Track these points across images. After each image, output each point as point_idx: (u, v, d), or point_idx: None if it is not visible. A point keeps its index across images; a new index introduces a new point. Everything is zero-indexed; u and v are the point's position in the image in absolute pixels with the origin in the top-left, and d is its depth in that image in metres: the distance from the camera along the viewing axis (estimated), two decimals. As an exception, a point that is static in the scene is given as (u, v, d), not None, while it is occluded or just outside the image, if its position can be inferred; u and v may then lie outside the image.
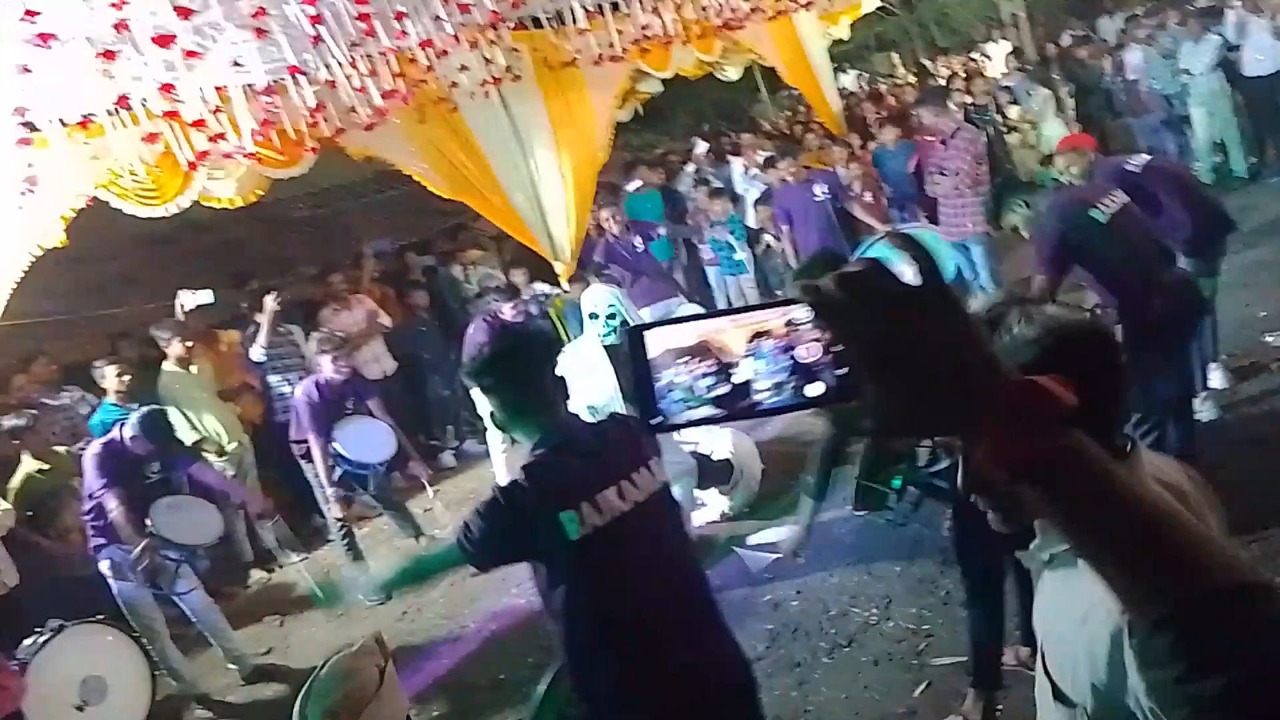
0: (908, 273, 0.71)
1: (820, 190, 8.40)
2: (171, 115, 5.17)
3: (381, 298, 8.66)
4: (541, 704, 2.87)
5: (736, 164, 10.85)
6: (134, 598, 5.37)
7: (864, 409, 0.72)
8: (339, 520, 6.32)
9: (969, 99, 10.67)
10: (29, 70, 4.40)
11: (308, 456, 6.30)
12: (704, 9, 8.19)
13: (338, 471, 6.18)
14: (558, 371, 2.58)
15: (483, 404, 7.31)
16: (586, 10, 7.27)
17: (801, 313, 0.74)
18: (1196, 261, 5.01)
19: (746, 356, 0.74)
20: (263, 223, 10.40)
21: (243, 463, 7.34)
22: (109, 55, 4.43)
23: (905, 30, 18.88)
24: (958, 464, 2.88)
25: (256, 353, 7.52)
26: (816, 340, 0.74)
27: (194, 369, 7.21)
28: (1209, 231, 5.23)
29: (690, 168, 11.34)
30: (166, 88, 5.08)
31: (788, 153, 9.22)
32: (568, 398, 2.58)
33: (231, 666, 5.69)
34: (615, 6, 7.74)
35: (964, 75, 12.09)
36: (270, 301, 7.39)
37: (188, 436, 7.10)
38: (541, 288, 8.81)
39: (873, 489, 4.07)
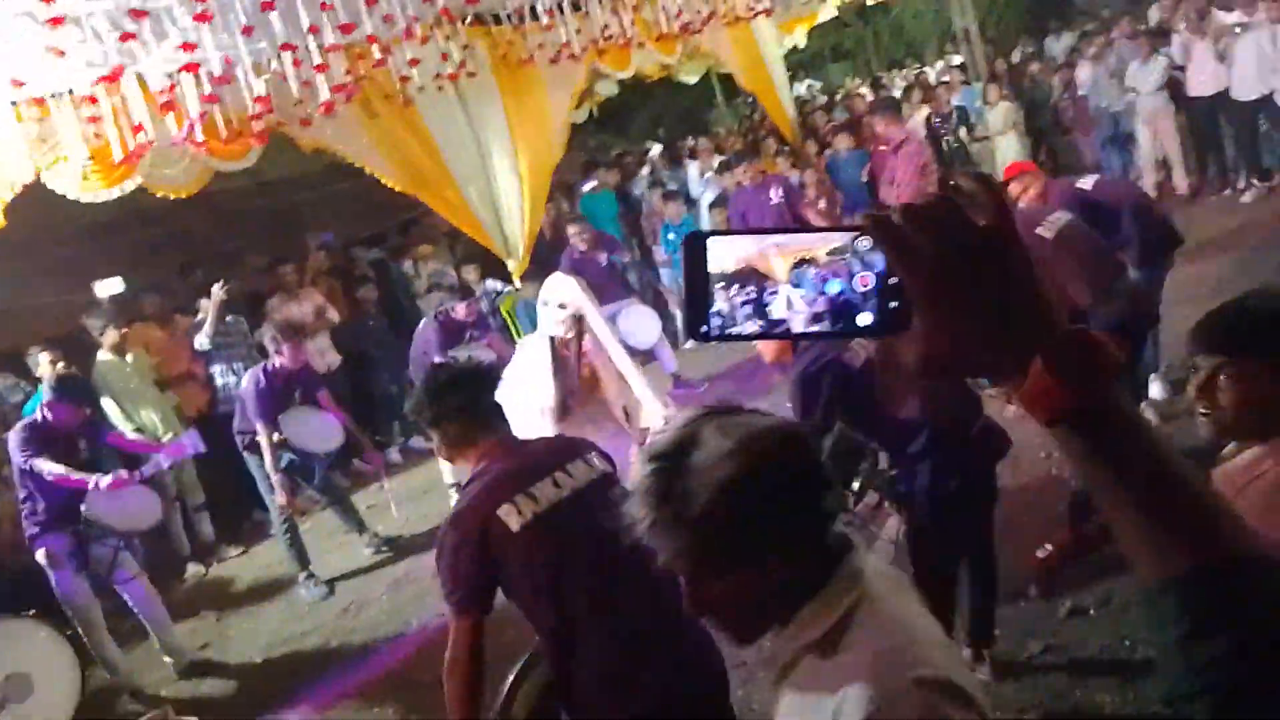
0: (977, 211, 0.72)
1: (775, 194, 8.48)
2: (91, 101, 5.06)
3: (329, 291, 8.55)
4: (507, 695, 2.82)
5: (693, 167, 10.89)
6: (71, 588, 5.24)
7: (910, 342, 0.73)
8: (282, 511, 6.20)
9: (927, 109, 10.79)
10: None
11: (251, 448, 6.20)
12: (663, 9, 8.21)
13: (284, 460, 6.07)
14: (496, 397, 2.69)
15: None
16: (546, 8, 7.25)
17: (862, 243, 0.75)
18: (1145, 273, 5.16)
19: (787, 283, 0.76)
20: (211, 213, 10.19)
21: (181, 453, 7.19)
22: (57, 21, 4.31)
23: (860, 41, 19.10)
24: (921, 470, 2.91)
25: (201, 341, 7.38)
26: (872, 271, 0.75)
27: (130, 357, 7.07)
28: (1158, 244, 5.37)
29: (645, 170, 11.36)
30: (114, 73, 4.99)
31: (744, 157, 9.27)
32: (505, 421, 2.69)
33: (167, 660, 5.56)
34: (576, 6, 7.73)
35: (921, 87, 12.23)
36: (218, 290, 7.26)
37: (122, 426, 6.95)
38: (493, 284, 8.77)
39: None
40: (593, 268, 8.23)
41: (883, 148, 8.52)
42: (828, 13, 12.85)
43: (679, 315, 9.73)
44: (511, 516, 2.42)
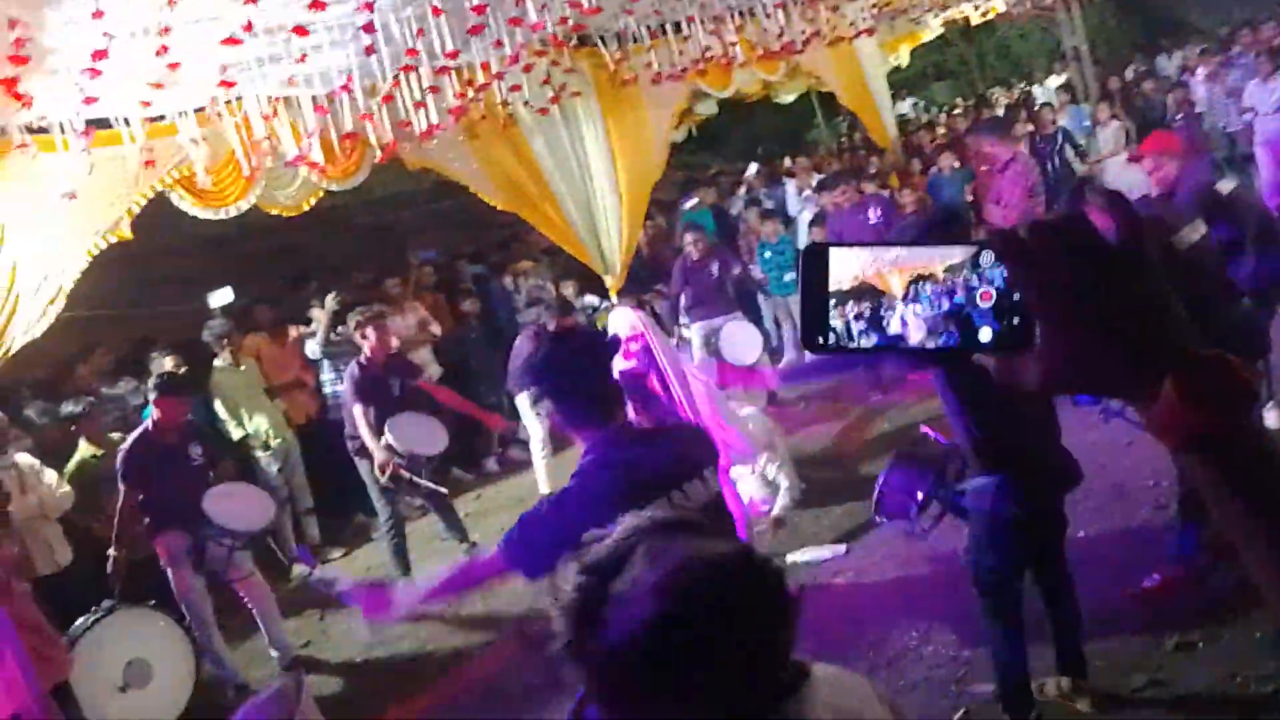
0: (1109, 228, 0.71)
1: (874, 215, 8.40)
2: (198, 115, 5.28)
3: (432, 305, 8.77)
4: None
5: (790, 186, 10.87)
6: (187, 584, 5.46)
7: (1032, 360, 0.72)
8: (388, 520, 6.36)
9: (1030, 128, 10.57)
10: (98, 71, 4.51)
11: (361, 453, 6.36)
12: (764, 31, 8.24)
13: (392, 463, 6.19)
14: (614, 376, 2.54)
15: (527, 412, 7.40)
16: (649, 29, 7.37)
17: (986, 257, 0.75)
18: (1258, 302, 4.90)
19: (905, 299, 0.76)
20: (320, 228, 10.57)
21: (289, 458, 7.47)
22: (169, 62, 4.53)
23: (964, 60, 18.80)
24: (984, 485, 2.85)
25: (313, 349, 7.65)
26: (994, 286, 0.74)
27: (244, 366, 7.38)
28: (1275, 272, 5.13)
29: (742, 189, 11.37)
30: (224, 84, 5.23)
31: (841, 178, 9.22)
32: (624, 404, 2.54)
33: (274, 654, 5.76)
34: (677, 27, 7.83)
35: (1025, 106, 12.00)
36: (330, 300, 7.53)
37: (234, 433, 7.25)
38: (591, 300, 8.88)
39: (895, 496, 4.05)
40: (704, 278, 8.29)
41: (986, 167, 8.37)
42: (932, 32, 12.72)
43: (773, 332, 9.71)
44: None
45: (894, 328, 0.76)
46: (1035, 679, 3.56)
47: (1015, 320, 0.74)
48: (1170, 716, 3.50)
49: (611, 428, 2.48)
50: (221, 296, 7.72)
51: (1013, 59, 18.52)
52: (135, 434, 5.64)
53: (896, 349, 0.77)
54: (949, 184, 9.56)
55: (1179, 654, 3.78)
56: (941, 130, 12.63)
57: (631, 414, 2.63)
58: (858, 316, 0.77)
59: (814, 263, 0.78)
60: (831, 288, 0.77)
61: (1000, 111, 12.65)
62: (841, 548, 5.47)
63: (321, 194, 6.91)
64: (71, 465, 6.33)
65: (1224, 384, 0.69)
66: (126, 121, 5.31)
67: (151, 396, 5.62)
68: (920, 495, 3.92)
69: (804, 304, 0.79)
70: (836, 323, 0.77)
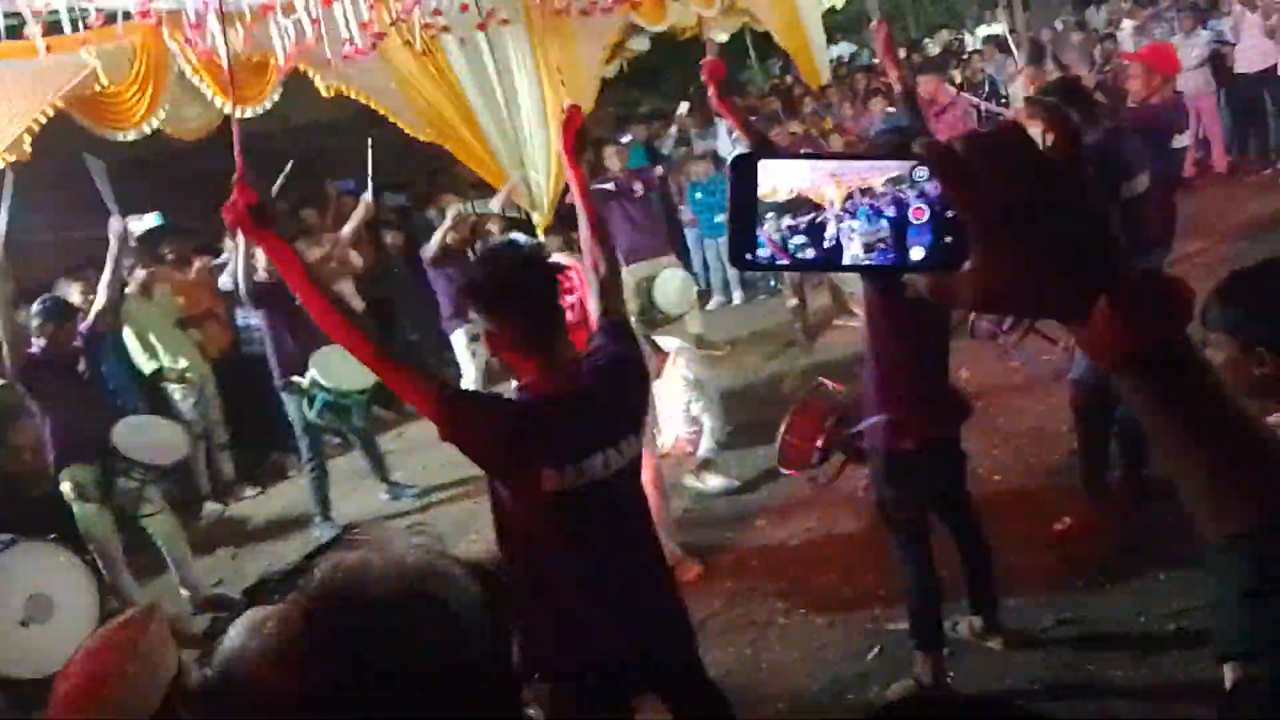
0: (1044, 140, 0.68)
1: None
2: (145, 14, 5.03)
3: (353, 236, 8.51)
4: None
5: (723, 127, 10.75)
6: (94, 521, 5.28)
7: (968, 278, 0.69)
8: (311, 458, 6.22)
9: (959, 76, 10.63)
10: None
11: (289, 389, 6.16)
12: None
13: (319, 401, 6.01)
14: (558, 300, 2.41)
15: (462, 349, 7.29)
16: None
17: (920, 172, 0.71)
18: (1158, 254, 4.85)
19: (842, 214, 0.72)
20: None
21: (204, 392, 7.26)
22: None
23: (899, 5, 18.78)
24: (877, 421, 2.88)
25: (225, 281, 7.38)
26: (927, 203, 0.71)
27: (157, 295, 7.11)
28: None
29: (673, 129, 11.25)
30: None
31: (775, 119, 9.16)
32: (564, 332, 2.41)
33: (184, 594, 5.62)
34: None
35: (955, 54, 12.04)
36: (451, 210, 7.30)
37: (145, 365, 7.01)
38: (518, 237, 8.71)
39: (794, 445, 4.08)
40: (626, 198, 8.22)
41: (928, 111, 8.38)
42: (868, -27, 12.61)
43: (701, 275, 9.68)
44: (550, 480, 2.27)
45: (829, 242, 0.73)
46: (948, 619, 3.64)
47: (948, 239, 0.71)
48: (1078, 654, 3.59)
49: (554, 358, 2.35)
50: (146, 221, 7.36)
51: (946, 4, 18.56)
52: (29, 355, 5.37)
53: (830, 264, 0.73)
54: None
55: (1087, 594, 3.89)
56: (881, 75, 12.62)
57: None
58: (792, 229, 0.73)
59: (742, 173, 0.74)
60: (763, 199, 0.73)
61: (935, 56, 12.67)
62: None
63: (227, 119, 6.60)
64: (-24, 393, 6.04)
65: (1161, 302, 0.68)
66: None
67: (35, 323, 5.35)
68: (820, 442, 3.95)
69: (731, 217, 0.74)
70: (772, 233, 0.73)
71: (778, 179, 0.73)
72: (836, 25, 16.43)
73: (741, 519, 5.26)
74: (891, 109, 9.63)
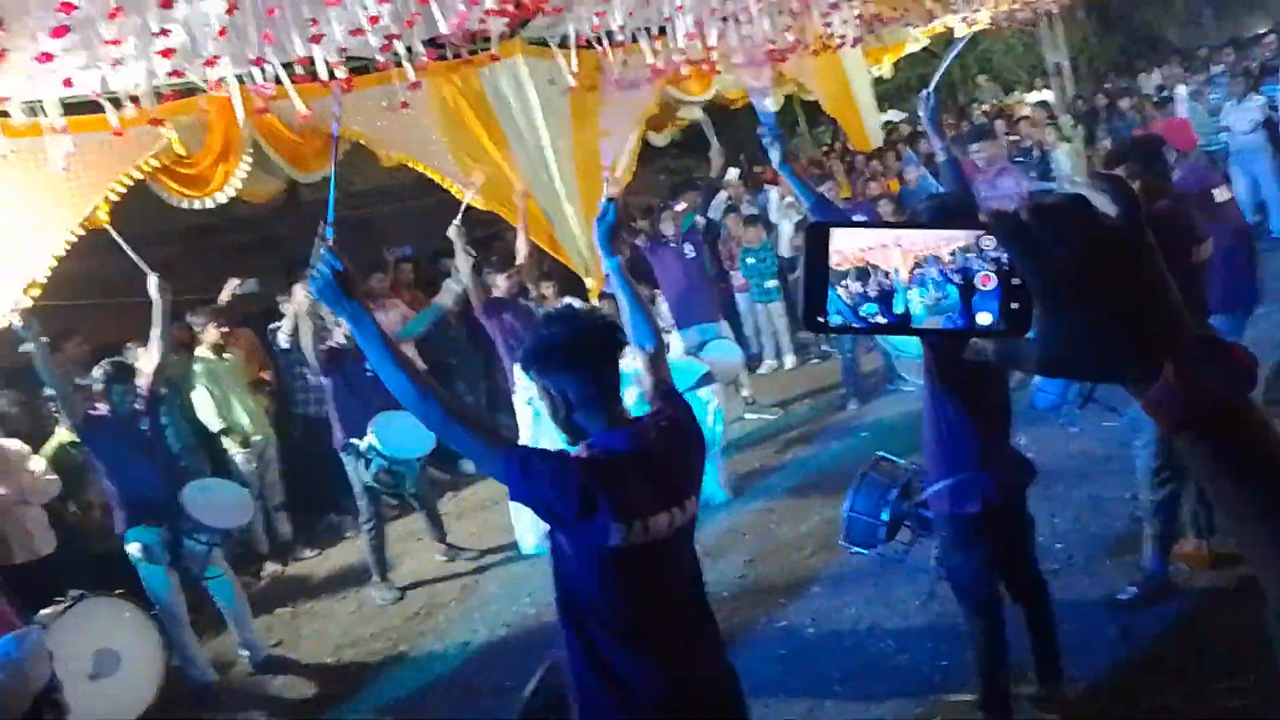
0: (1110, 211, 0.71)
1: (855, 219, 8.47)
2: (218, 86, 5.26)
3: (411, 301, 8.71)
4: (527, 705, 2.87)
5: (773, 193, 10.88)
6: (160, 581, 5.36)
7: (1033, 344, 0.73)
8: (370, 519, 6.30)
9: (1012, 138, 10.65)
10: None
11: (348, 451, 6.27)
12: (747, 38, 8.25)
13: (374, 467, 6.08)
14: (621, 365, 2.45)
15: (521, 409, 7.36)
16: (626, 32, 7.39)
17: (986, 241, 0.75)
18: (1227, 319, 4.88)
19: (910, 283, 0.76)
20: (299, 222, 10.49)
21: (264, 455, 7.40)
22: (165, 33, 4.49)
23: (949, 73, 18.91)
24: (941, 488, 2.85)
25: (280, 340, 7.52)
26: (993, 270, 0.75)
27: (228, 356, 7.30)
28: (1245, 287, 5.18)
29: (723, 195, 11.38)
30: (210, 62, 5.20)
31: (823, 182, 9.25)
32: (621, 397, 2.47)
33: (243, 654, 5.70)
34: (662, 31, 7.83)
35: (1009, 118, 12.09)
36: (299, 290, 7.41)
37: (214, 423, 7.16)
38: (570, 301, 8.85)
39: (860, 521, 4.05)
40: (675, 258, 8.29)
41: (979, 176, 8.42)
42: (916, 44, 12.79)
43: (752, 341, 9.73)
44: (617, 536, 2.29)
45: (899, 308, 0.77)
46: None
47: (1014, 305, 0.74)
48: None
49: (618, 417, 2.42)
50: (246, 285, 7.53)
51: (995, 72, 18.65)
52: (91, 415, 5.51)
53: (900, 328, 0.77)
54: (922, 193, 9.61)
55: (1149, 668, 3.81)
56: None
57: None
58: (863, 296, 0.77)
59: (816, 240, 0.78)
60: (833, 266, 0.77)
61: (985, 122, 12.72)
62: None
63: (295, 185, 6.88)
64: (49, 449, 6.21)
65: (1222, 366, 0.70)
66: (115, 104, 5.25)
67: (97, 386, 5.50)
68: (886, 516, 3.93)
69: (805, 282, 0.79)
70: (843, 298, 0.77)
71: (848, 246, 0.77)
72: (884, 93, 16.60)
73: (796, 584, 5.23)
74: (926, 175, 9.72)
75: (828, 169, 11.33)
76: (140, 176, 5.93)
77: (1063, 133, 10.88)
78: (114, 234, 5.60)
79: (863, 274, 0.77)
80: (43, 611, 4.85)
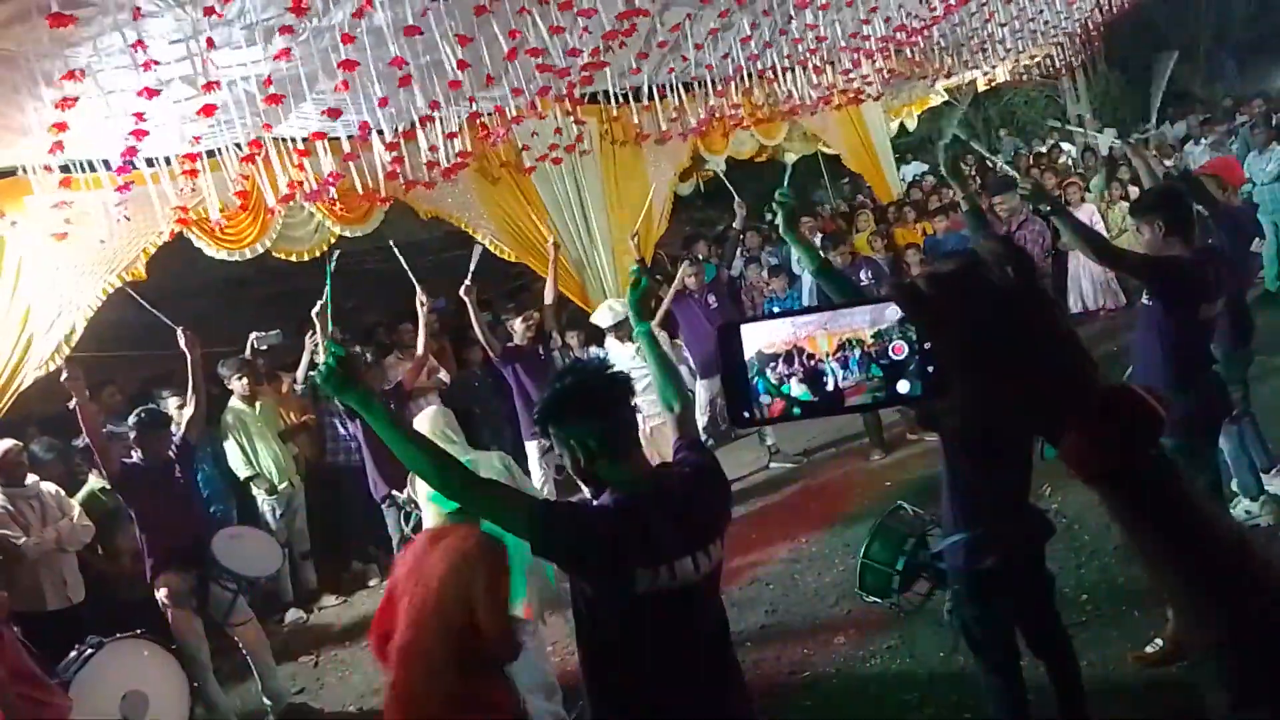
0: (1002, 273, 0.72)
1: (865, 276, 8.59)
2: (257, 145, 5.40)
3: (440, 352, 8.81)
4: None
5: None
6: (186, 627, 5.41)
7: (951, 406, 0.76)
8: None
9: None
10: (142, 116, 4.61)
11: (387, 501, 6.31)
12: (771, 95, 8.41)
13: (413, 519, 6.14)
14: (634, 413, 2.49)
15: (534, 463, 7.40)
16: (659, 88, 7.55)
17: (891, 314, 0.78)
18: (1228, 364, 4.80)
19: (835, 363, 0.79)
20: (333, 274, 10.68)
21: (291, 503, 7.47)
22: (209, 106, 4.63)
23: (970, 126, 19.05)
24: (956, 542, 2.84)
25: (298, 386, 7.62)
26: (906, 339, 0.78)
27: (258, 406, 7.40)
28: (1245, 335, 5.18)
29: (740, 248, 11.47)
30: (255, 144, 5.37)
31: (838, 239, 9.36)
32: (637, 443, 2.50)
33: (267, 702, 5.71)
34: (688, 87, 7.99)
35: (1037, 169, 12.16)
36: (310, 341, 7.52)
37: (242, 470, 7.25)
38: (596, 351, 8.93)
39: (875, 569, 4.03)
40: (701, 310, 8.37)
41: (1004, 228, 8.49)
42: (938, 97, 12.92)
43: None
44: (644, 581, 2.32)
45: (830, 386, 0.80)
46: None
47: (929, 369, 0.77)
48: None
49: (639, 465, 2.46)
50: (270, 338, 7.70)
51: (1018, 124, 18.74)
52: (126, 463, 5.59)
53: (829, 409, 0.80)
54: (944, 246, 9.66)
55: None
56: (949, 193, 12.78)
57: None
58: (793, 377, 0.80)
59: (728, 340, 0.81)
60: (762, 351, 0.80)
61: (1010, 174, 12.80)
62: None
63: (334, 238, 7.05)
64: (81, 496, 6.32)
65: (1133, 415, 0.69)
66: (167, 161, 5.41)
67: (132, 434, 5.60)
68: (901, 565, 3.92)
69: (724, 381, 0.82)
70: (771, 383, 0.80)
71: (764, 339, 0.81)
72: (906, 146, 16.73)
73: (820, 633, 5.20)
74: (952, 228, 9.78)
75: (838, 227, 11.41)
76: (179, 229, 6.10)
77: (1087, 184, 10.90)
78: (133, 293, 5.73)
79: (789, 359, 0.80)
80: (64, 661, 4.88)
